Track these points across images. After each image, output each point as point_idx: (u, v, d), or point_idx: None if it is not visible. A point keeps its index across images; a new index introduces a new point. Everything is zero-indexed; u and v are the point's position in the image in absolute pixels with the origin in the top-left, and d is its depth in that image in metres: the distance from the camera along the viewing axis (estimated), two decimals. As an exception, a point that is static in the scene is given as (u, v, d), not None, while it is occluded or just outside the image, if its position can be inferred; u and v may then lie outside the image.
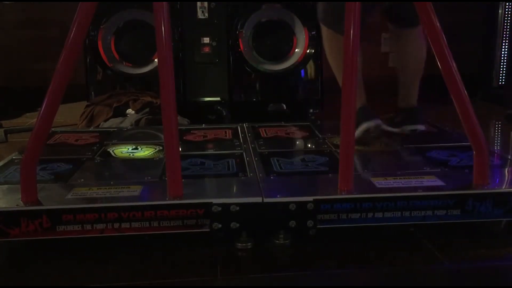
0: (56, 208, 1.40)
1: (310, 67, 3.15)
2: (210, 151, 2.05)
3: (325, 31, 2.08)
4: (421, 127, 2.14)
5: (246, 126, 2.38)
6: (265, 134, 2.25)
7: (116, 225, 1.40)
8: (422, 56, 2.12)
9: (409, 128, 2.13)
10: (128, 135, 2.36)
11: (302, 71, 3.16)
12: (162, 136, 1.59)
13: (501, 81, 3.64)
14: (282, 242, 1.44)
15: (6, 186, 1.59)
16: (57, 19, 3.69)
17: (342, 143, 1.49)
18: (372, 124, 1.98)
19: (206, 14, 3.09)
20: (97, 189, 1.53)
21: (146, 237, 1.43)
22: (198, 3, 3.08)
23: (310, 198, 1.43)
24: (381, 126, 2.02)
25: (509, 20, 3.53)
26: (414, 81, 2.17)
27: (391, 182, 1.56)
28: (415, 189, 1.50)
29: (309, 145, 2.14)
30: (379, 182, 1.56)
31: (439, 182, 1.56)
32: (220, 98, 3.14)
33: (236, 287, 1.28)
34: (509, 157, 1.87)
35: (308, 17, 3.06)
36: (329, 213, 1.44)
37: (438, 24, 1.46)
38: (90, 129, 2.57)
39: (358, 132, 1.94)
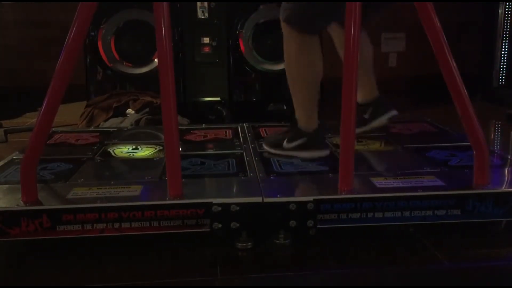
0: (56, 208, 1.40)
1: (310, 67, 3.14)
2: (210, 151, 2.05)
3: (294, 33, 1.77)
4: (395, 112, 2.03)
5: (246, 126, 2.38)
6: (265, 134, 2.25)
7: (116, 225, 1.40)
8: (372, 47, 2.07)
9: (385, 117, 2.02)
10: (128, 135, 2.36)
11: (302, 71, 3.15)
12: (162, 136, 1.59)
13: (501, 81, 3.64)
14: (282, 242, 1.44)
15: (6, 186, 1.59)
16: (57, 19, 3.69)
17: (342, 143, 1.49)
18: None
19: (206, 14, 3.09)
20: (97, 189, 1.53)
21: (146, 237, 1.43)
22: (198, 3, 3.08)
23: (310, 198, 1.43)
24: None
25: (509, 20, 3.53)
26: (372, 72, 2.04)
27: (391, 182, 1.56)
28: (415, 189, 1.50)
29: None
30: (379, 182, 1.56)
31: (439, 182, 1.56)
32: (220, 98, 3.14)
33: (236, 287, 1.28)
34: (509, 157, 1.87)
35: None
36: (329, 213, 1.44)
37: (438, 24, 1.46)
38: (90, 129, 2.57)
39: (307, 155, 1.81)
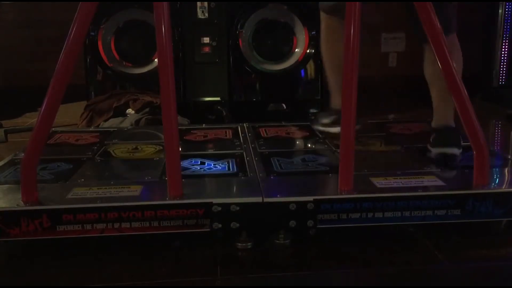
0: (56, 208, 1.40)
1: (310, 67, 3.15)
2: (210, 151, 2.05)
3: (324, 18, 2.03)
4: (455, 151, 1.80)
5: (246, 126, 2.38)
6: (265, 134, 2.26)
7: (116, 225, 1.40)
8: (460, 66, 1.80)
9: (440, 151, 1.81)
10: (128, 135, 2.36)
11: (302, 71, 3.16)
12: (162, 136, 1.59)
13: (501, 81, 3.64)
14: (282, 242, 1.44)
15: (6, 186, 1.59)
16: (57, 19, 3.68)
17: (342, 143, 1.49)
18: None
19: (206, 14, 3.09)
20: (97, 189, 1.53)
21: (146, 237, 1.43)
22: (198, 3, 3.08)
23: (310, 198, 1.43)
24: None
25: (509, 20, 3.53)
26: (446, 97, 1.81)
27: (391, 182, 1.56)
28: (415, 189, 1.50)
29: (309, 145, 2.14)
30: (379, 182, 1.56)
31: (439, 182, 1.56)
32: (220, 98, 3.14)
33: (236, 287, 1.28)
34: (509, 157, 1.87)
35: (308, 17, 3.06)
36: (329, 213, 1.44)
37: (438, 24, 1.46)
38: (90, 129, 2.57)
39: (335, 130, 2.01)
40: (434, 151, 1.83)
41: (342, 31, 1.81)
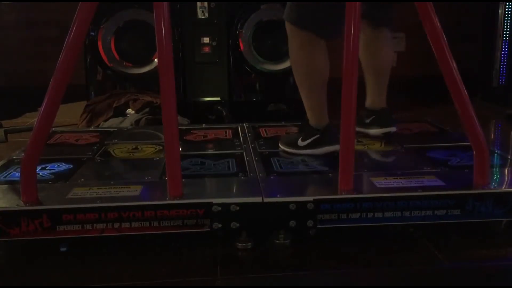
0: (56, 208, 1.40)
1: (310, 67, 3.14)
2: (210, 151, 2.05)
3: (300, 35, 1.80)
4: (393, 129, 2.06)
5: (246, 126, 2.38)
6: (265, 134, 2.25)
7: (116, 225, 1.40)
8: (393, 56, 2.06)
9: (383, 130, 2.06)
10: (128, 135, 2.36)
11: (302, 71, 3.15)
12: (162, 136, 1.59)
13: (501, 81, 3.63)
14: (282, 242, 1.44)
15: (6, 186, 1.59)
16: (57, 19, 3.69)
17: (342, 143, 1.49)
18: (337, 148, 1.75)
19: (206, 14, 3.09)
20: (97, 189, 1.53)
21: (146, 237, 1.43)
22: (198, 3, 3.08)
23: (310, 198, 1.43)
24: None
25: (509, 20, 3.53)
26: (386, 81, 2.08)
27: (391, 182, 1.56)
28: (415, 189, 1.50)
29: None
30: (379, 182, 1.56)
31: (439, 182, 1.56)
32: (220, 98, 3.14)
33: (236, 287, 1.28)
34: (509, 157, 1.87)
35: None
36: (329, 213, 1.44)
37: (438, 24, 1.46)
38: (90, 129, 2.57)
39: (321, 151, 1.86)
40: (377, 131, 2.02)
41: (319, 44, 1.78)
